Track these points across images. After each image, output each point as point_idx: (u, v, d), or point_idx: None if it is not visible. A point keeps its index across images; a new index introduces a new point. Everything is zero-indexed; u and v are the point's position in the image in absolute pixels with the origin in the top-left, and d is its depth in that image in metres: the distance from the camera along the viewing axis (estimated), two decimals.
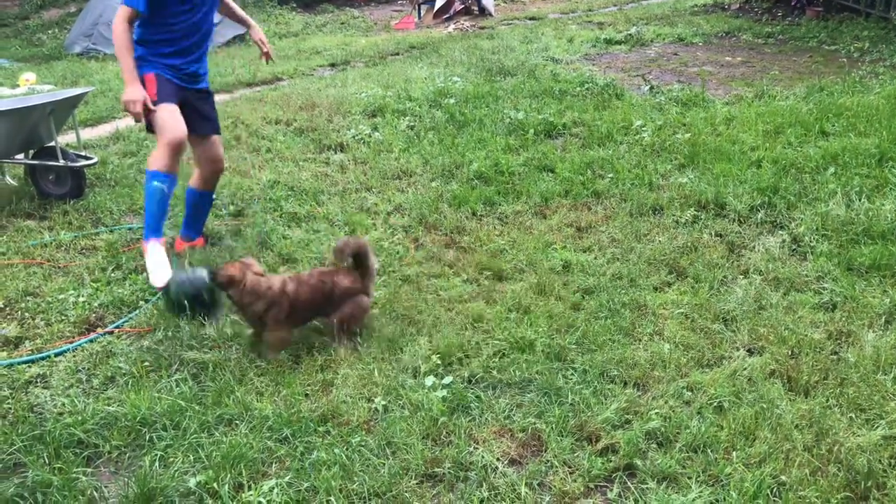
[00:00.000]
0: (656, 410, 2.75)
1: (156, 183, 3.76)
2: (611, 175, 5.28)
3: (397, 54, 11.36)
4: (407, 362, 3.13)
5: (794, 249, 4.10)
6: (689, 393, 2.87)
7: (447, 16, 15.17)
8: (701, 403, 2.80)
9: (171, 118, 3.80)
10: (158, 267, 3.75)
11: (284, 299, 3.21)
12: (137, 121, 3.84)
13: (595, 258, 4.11)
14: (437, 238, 4.45)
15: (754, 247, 4.13)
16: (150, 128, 3.91)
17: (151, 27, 3.86)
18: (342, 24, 16.03)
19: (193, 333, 3.38)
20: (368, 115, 7.24)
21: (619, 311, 3.49)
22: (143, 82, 3.80)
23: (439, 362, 3.10)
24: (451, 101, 7.47)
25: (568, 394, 2.87)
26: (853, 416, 2.69)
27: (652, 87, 7.83)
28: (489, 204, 4.94)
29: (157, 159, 3.77)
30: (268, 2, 16.88)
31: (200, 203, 4.32)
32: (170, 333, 3.40)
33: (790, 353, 3.09)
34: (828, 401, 2.77)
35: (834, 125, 5.96)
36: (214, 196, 4.48)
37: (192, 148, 4.16)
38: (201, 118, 4.09)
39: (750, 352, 3.16)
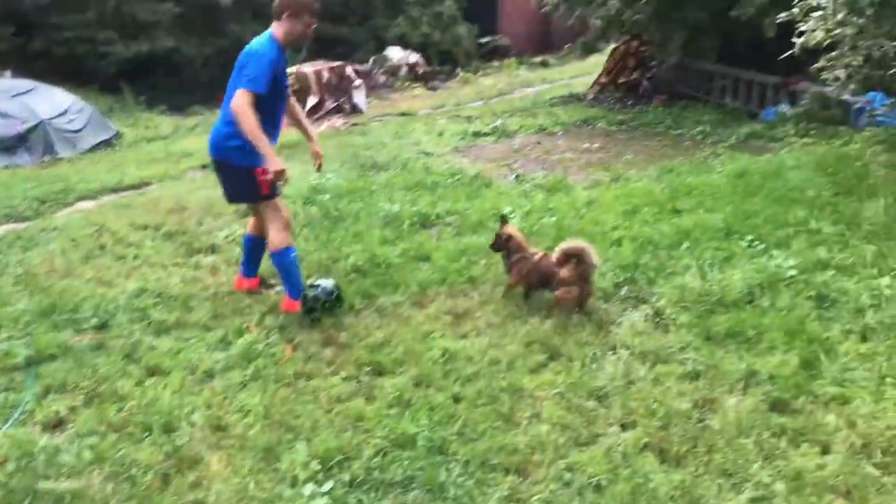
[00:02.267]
0: (538, 496, 2.77)
1: (293, 255, 4.75)
2: (484, 261, 5.42)
3: None
4: (285, 471, 3.02)
5: (658, 322, 4.31)
6: (569, 474, 2.91)
7: (319, 114, 15.42)
8: (581, 483, 2.84)
9: (283, 208, 4.71)
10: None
11: (528, 263, 4.60)
12: (284, 185, 4.59)
13: (473, 344, 4.16)
14: (315, 336, 4.38)
15: (621, 322, 4.32)
16: (256, 198, 4.67)
17: (259, 113, 4.30)
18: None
19: (49, 460, 3.13)
20: (241, 214, 7.14)
21: (498, 396, 3.52)
22: (254, 175, 4.46)
23: (319, 468, 3.01)
24: (326, 197, 7.52)
25: (450, 488, 2.84)
26: (721, 482, 2.80)
27: (518, 176, 8.19)
28: (367, 297, 4.94)
29: (282, 240, 4.65)
30: (135, 105, 16.62)
31: (257, 247, 5.01)
32: (23, 464, 3.13)
33: (661, 424, 3.21)
34: (697, 469, 2.88)
35: (684, 203, 6.41)
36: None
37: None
38: None
39: (623, 427, 3.26)
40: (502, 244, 4.76)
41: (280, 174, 4.33)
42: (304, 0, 4.44)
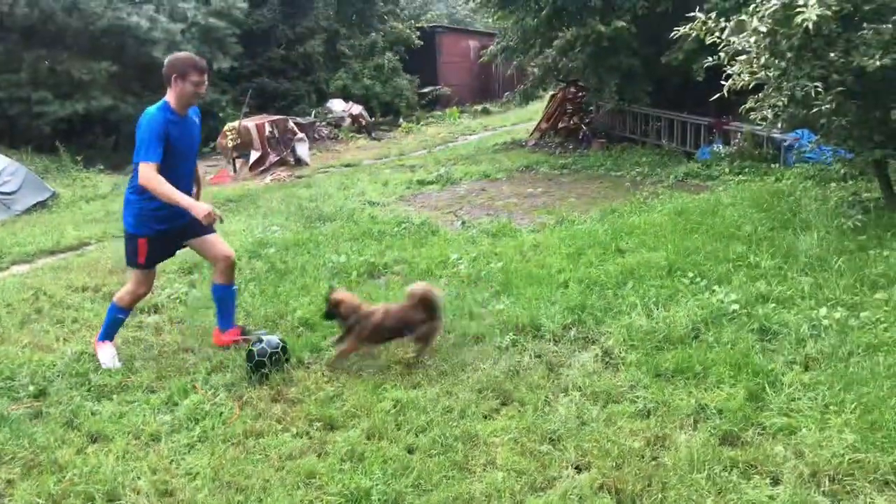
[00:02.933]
0: None
1: (121, 316, 5.01)
2: None
3: None
4: None
5: (607, 362, 4.35)
6: None
7: (263, 167, 15.36)
8: None
9: (147, 281, 4.93)
10: (109, 357, 4.87)
11: (370, 322, 4.52)
12: (221, 221, 4.69)
13: (425, 393, 4.12)
14: (263, 393, 4.29)
15: (571, 364, 4.34)
16: (133, 263, 4.87)
17: (164, 175, 4.48)
18: None
19: None
20: (185, 272, 7.01)
21: (452, 445, 3.49)
22: (137, 244, 4.72)
23: None
24: (272, 250, 7.45)
25: None
26: None
27: (464, 222, 8.27)
28: (316, 350, 4.87)
29: (125, 301, 4.92)
30: (72, 165, 16.25)
31: (226, 296, 5.06)
32: None
33: (615, 464, 3.21)
34: None
35: (627, 243, 6.54)
36: (236, 287, 5.22)
37: (202, 252, 5.03)
38: (197, 224, 4.67)
39: (578, 469, 3.25)
40: (332, 311, 4.67)
41: (209, 215, 4.48)
42: (188, 61, 4.66)
